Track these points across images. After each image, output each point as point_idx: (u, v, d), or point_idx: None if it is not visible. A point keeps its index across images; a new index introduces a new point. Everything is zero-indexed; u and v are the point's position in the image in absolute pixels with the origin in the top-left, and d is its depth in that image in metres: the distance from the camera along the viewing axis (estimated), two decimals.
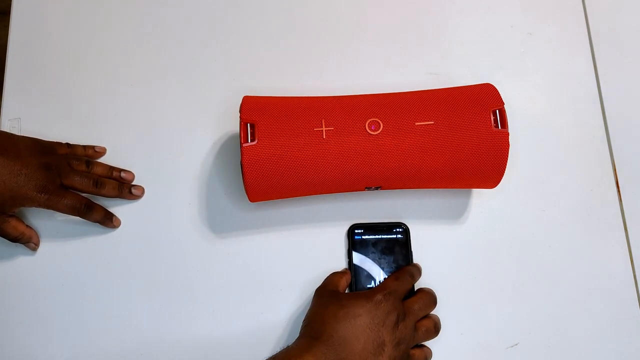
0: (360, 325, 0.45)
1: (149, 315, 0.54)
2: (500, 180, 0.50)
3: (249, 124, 0.48)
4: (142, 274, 0.55)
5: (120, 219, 0.56)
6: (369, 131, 0.48)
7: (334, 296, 0.49)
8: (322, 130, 0.48)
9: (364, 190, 0.53)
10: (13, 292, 0.54)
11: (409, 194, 0.57)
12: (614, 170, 0.59)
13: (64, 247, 0.56)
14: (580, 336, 0.54)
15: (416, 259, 0.55)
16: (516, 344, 0.54)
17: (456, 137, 0.48)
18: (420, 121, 0.49)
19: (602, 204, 0.58)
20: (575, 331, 0.54)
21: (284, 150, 0.48)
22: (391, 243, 0.55)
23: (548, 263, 0.56)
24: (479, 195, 0.58)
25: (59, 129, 0.59)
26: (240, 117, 0.49)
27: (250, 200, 0.52)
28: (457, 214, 0.57)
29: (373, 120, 0.49)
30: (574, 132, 0.60)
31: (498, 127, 0.48)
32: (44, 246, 0.56)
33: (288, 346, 0.45)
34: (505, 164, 0.49)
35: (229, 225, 0.56)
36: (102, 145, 0.59)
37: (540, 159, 0.59)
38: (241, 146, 0.48)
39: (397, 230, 0.55)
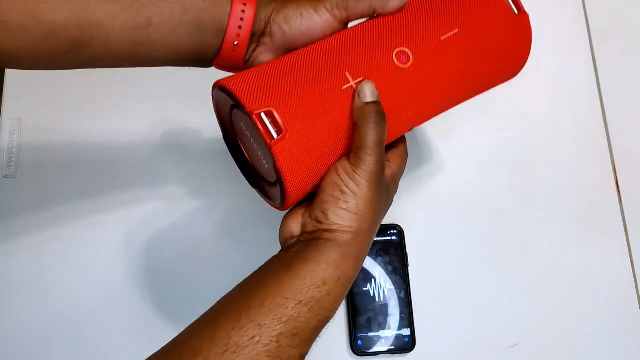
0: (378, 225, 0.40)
1: (148, 315, 0.54)
2: (524, 63, 0.45)
3: (263, 114, 0.35)
4: (142, 274, 0.55)
5: (120, 219, 0.56)
6: (399, 65, 0.39)
7: (388, 189, 0.41)
8: (352, 86, 0.38)
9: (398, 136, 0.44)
10: (13, 292, 0.55)
11: (408, 194, 0.57)
12: (614, 170, 0.59)
13: (63, 247, 0.56)
14: (580, 336, 0.54)
15: (416, 259, 0.55)
16: (516, 344, 0.54)
17: (481, 38, 0.42)
18: (444, 34, 0.41)
19: (602, 204, 0.58)
20: (575, 331, 0.54)
21: (321, 130, 0.37)
22: (386, 245, 0.55)
23: (548, 263, 0.56)
24: (479, 195, 0.58)
25: (59, 129, 0.59)
26: (245, 108, 0.35)
27: (285, 208, 0.40)
28: (456, 214, 0.57)
29: (400, 51, 0.40)
30: (574, 132, 0.60)
31: (515, 12, 0.43)
32: (44, 246, 0.56)
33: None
34: (530, 46, 0.44)
35: (231, 224, 0.56)
36: (101, 145, 0.59)
37: (540, 159, 0.59)
38: (268, 146, 0.35)
39: (392, 232, 0.55)
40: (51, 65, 0.38)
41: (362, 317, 0.53)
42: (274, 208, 0.42)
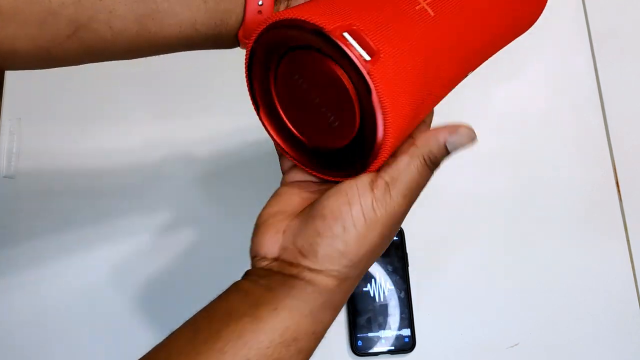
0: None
1: (149, 315, 0.54)
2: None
3: (346, 34, 0.28)
4: (142, 272, 0.55)
5: (120, 217, 0.56)
6: None
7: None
8: (423, 7, 0.32)
9: (465, 76, 0.38)
10: (12, 292, 0.55)
11: None
12: (614, 170, 0.59)
13: (63, 247, 0.56)
14: (580, 336, 0.54)
15: (416, 259, 0.55)
16: (516, 344, 0.54)
17: None
18: None
19: (602, 204, 0.58)
20: (575, 331, 0.54)
21: (409, 51, 0.30)
22: None
23: (548, 263, 0.56)
24: (479, 195, 0.58)
25: (59, 129, 0.59)
26: (323, 30, 0.28)
27: (376, 166, 0.31)
28: (456, 214, 0.57)
29: None
30: (574, 132, 0.60)
31: None
32: (43, 246, 0.56)
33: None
34: None
35: (241, 222, 0.56)
36: (101, 145, 0.59)
37: (540, 159, 0.59)
38: (362, 70, 0.28)
39: None
40: (52, 57, 0.33)
41: (362, 317, 0.53)
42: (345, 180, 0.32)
